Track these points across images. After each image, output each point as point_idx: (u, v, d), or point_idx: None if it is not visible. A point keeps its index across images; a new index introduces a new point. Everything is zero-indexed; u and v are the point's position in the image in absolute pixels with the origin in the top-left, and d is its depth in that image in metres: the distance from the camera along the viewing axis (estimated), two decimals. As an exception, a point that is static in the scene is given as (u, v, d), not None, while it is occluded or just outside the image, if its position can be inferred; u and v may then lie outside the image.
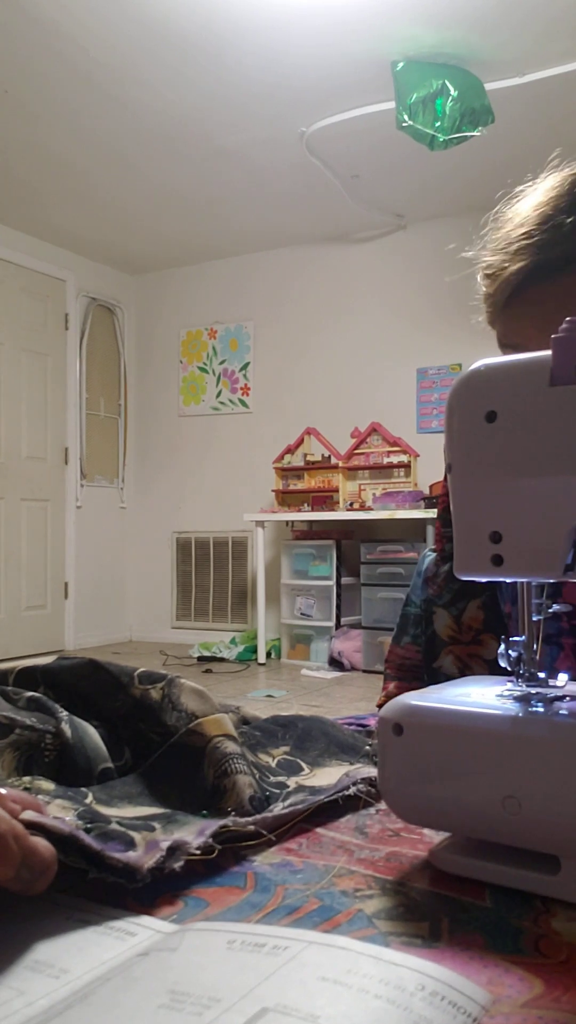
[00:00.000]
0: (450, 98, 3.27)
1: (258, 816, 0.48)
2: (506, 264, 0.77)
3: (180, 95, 3.66)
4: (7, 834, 0.34)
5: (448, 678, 0.82)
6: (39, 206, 4.87)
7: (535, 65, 3.39)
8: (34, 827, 0.38)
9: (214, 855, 0.43)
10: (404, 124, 3.37)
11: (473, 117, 3.33)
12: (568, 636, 0.78)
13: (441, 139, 3.37)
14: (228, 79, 3.53)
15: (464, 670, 0.84)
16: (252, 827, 0.46)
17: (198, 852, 0.43)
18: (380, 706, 0.76)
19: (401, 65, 3.34)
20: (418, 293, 5.07)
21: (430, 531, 4.20)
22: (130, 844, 0.43)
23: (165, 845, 0.42)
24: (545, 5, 3.03)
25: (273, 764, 0.58)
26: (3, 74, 3.50)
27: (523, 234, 0.76)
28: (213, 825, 0.45)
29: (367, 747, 0.62)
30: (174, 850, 0.42)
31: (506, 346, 0.80)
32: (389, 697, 0.89)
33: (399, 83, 3.35)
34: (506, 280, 0.77)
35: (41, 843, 0.36)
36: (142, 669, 0.62)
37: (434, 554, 0.93)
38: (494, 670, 0.78)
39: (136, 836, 0.44)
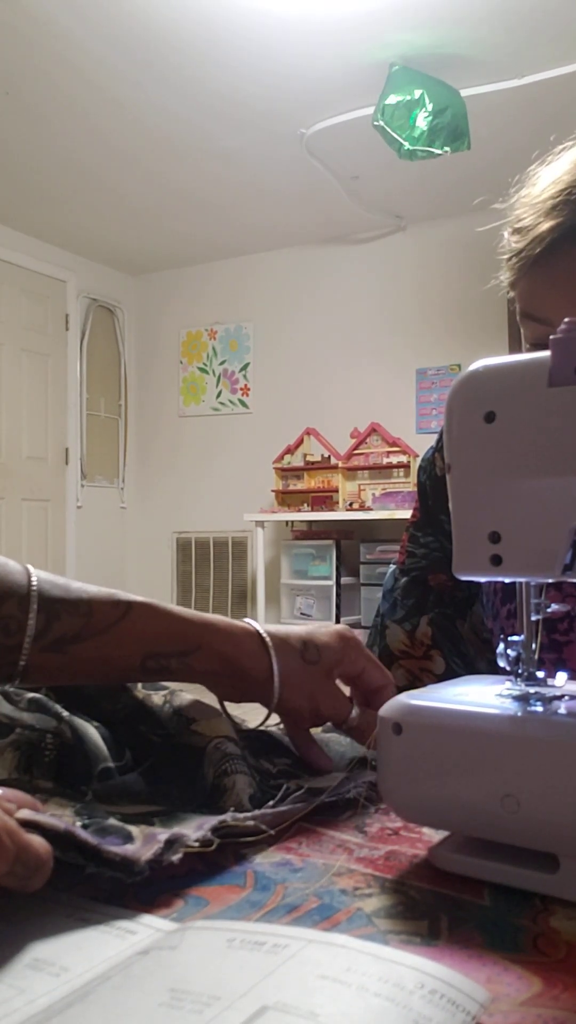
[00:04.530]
0: (424, 112, 3.28)
1: (257, 812, 0.48)
2: (541, 220, 0.71)
3: (181, 96, 3.66)
4: (0, 830, 0.35)
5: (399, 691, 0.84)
6: (40, 207, 4.86)
7: (535, 67, 3.39)
8: (29, 824, 0.38)
9: (212, 848, 0.43)
10: (376, 124, 3.38)
11: (448, 138, 3.34)
12: (549, 651, 0.79)
13: (407, 148, 3.38)
14: (228, 80, 3.53)
15: (415, 683, 0.86)
16: (251, 822, 0.46)
17: (196, 845, 0.43)
18: None
19: (396, 68, 3.34)
20: (417, 294, 5.07)
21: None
22: (128, 838, 0.43)
23: (163, 838, 0.42)
24: (544, 8, 3.03)
25: (274, 771, 0.58)
26: (4, 75, 3.50)
27: (561, 191, 0.71)
28: (212, 820, 0.45)
29: (365, 754, 0.62)
30: (172, 843, 0.42)
31: (526, 317, 0.75)
32: None
33: (388, 85, 3.36)
34: (539, 236, 0.71)
35: (36, 839, 0.36)
36: None
37: (395, 567, 0.95)
38: None
39: (134, 830, 0.44)
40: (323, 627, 0.63)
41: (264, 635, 0.59)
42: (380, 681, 0.62)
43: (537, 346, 0.76)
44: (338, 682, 0.63)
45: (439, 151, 3.37)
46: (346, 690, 0.63)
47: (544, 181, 0.74)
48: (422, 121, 3.30)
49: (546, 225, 0.71)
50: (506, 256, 0.76)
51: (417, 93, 3.28)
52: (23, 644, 0.52)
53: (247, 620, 0.60)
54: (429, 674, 0.88)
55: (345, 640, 0.61)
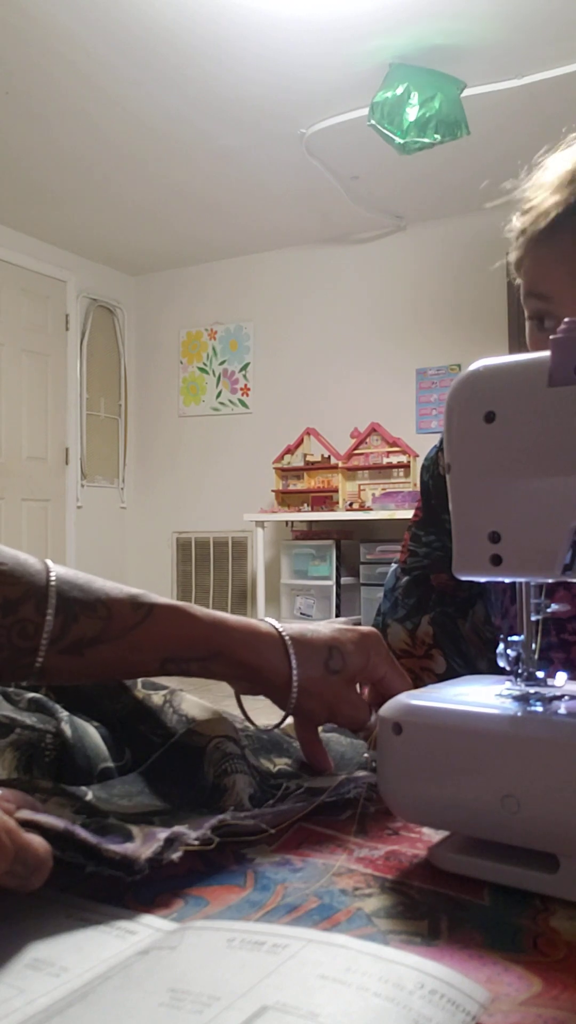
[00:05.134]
0: (414, 105, 3.29)
1: (257, 811, 0.48)
2: (546, 197, 0.73)
3: (181, 96, 3.66)
4: (0, 830, 0.35)
5: None
6: (40, 207, 4.86)
7: (535, 66, 3.39)
8: (29, 824, 0.38)
9: (212, 846, 0.43)
10: (369, 123, 3.38)
11: (441, 125, 3.34)
12: (558, 650, 0.78)
13: (400, 142, 3.38)
14: (228, 80, 3.53)
15: (416, 682, 0.86)
16: (251, 821, 0.46)
17: (196, 843, 0.43)
18: None
19: (394, 66, 3.34)
20: (417, 294, 5.07)
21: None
22: (128, 837, 0.43)
23: (163, 836, 0.42)
24: (544, 7, 3.03)
25: (274, 770, 0.58)
26: (4, 75, 3.50)
27: (569, 171, 0.73)
28: (212, 819, 0.45)
29: (365, 755, 0.62)
30: (172, 841, 0.42)
31: (530, 295, 0.76)
32: None
33: (383, 84, 3.36)
34: (544, 211, 0.72)
35: (35, 839, 0.36)
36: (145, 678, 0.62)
37: (397, 566, 0.95)
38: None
39: (134, 829, 0.44)
40: (348, 631, 0.61)
41: (288, 642, 0.57)
42: (399, 688, 0.61)
43: (535, 320, 0.76)
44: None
45: (430, 140, 3.37)
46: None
47: (553, 166, 0.75)
48: (411, 112, 3.31)
49: (551, 201, 0.72)
50: (513, 235, 0.78)
51: (400, 89, 3.29)
52: (40, 646, 0.51)
53: (269, 621, 0.59)
54: (430, 673, 0.88)
55: (370, 646, 0.60)
